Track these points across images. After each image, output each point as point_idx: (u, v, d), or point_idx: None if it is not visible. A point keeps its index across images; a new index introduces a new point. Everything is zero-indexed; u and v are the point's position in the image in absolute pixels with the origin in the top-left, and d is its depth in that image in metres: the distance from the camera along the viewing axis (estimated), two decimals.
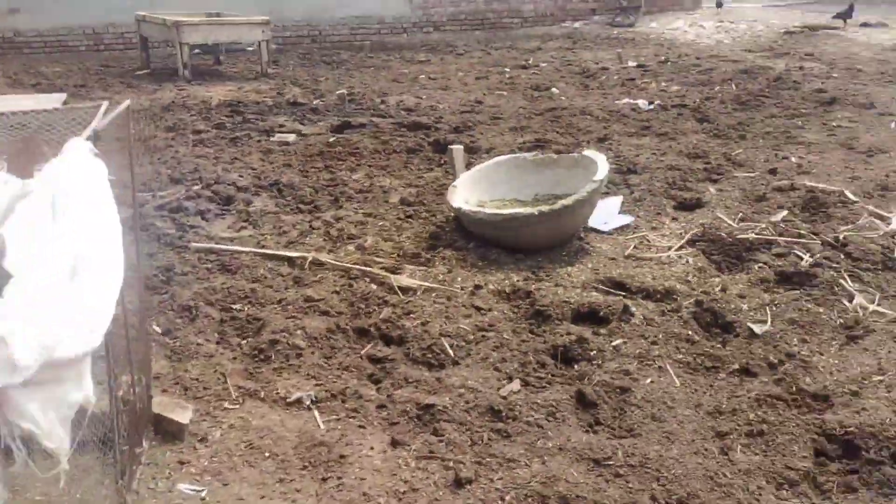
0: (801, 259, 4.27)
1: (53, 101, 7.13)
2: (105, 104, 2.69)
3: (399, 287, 4.08)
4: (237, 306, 3.94)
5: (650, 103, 8.27)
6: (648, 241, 4.69)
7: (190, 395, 3.22)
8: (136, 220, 2.86)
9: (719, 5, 15.99)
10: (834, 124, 7.24)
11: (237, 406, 3.13)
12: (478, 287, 4.06)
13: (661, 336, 3.56)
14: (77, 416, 1.67)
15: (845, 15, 13.62)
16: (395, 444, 2.87)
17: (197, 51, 12.02)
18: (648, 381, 3.23)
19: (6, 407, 1.36)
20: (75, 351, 1.44)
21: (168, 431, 2.94)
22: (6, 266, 1.37)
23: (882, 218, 4.85)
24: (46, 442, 1.47)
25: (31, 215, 1.57)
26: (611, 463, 2.74)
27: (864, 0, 16.14)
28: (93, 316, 1.52)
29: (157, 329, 3.71)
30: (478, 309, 3.84)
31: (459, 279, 4.16)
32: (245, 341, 3.63)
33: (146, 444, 2.86)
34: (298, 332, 3.62)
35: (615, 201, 5.25)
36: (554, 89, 9.26)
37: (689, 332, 3.60)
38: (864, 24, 13.49)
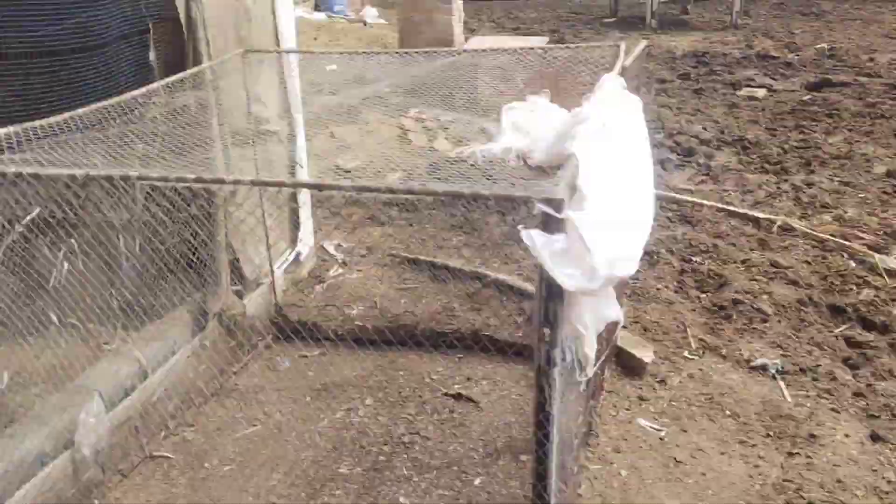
0: None
1: (538, 42, 7.71)
2: (623, 45, 2.77)
3: (885, 269, 3.61)
4: (697, 259, 3.88)
5: None
6: None
7: (648, 336, 3.28)
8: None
9: None
10: None
11: (696, 358, 3.10)
12: None
13: None
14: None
15: None
16: (875, 438, 2.57)
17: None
18: None
19: (575, 308, 1.51)
20: (626, 272, 1.53)
21: (629, 366, 3.04)
22: (579, 183, 1.49)
23: None
24: (587, 349, 1.60)
25: (590, 138, 1.68)
26: None
27: None
28: (636, 244, 1.59)
29: None
30: None
31: None
32: (704, 295, 3.57)
33: (608, 372, 3.00)
34: (764, 296, 3.44)
35: None
36: None
37: None
38: None
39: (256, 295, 3.34)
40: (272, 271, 3.43)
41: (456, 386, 2.95)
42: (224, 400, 2.96)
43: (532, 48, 3.08)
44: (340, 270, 3.85)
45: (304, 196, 3.76)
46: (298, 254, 3.73)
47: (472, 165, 2.15)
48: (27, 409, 2.43)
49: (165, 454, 2.65)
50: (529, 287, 3.42)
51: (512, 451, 2.59)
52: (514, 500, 2.38)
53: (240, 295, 3.25)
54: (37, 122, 1.96)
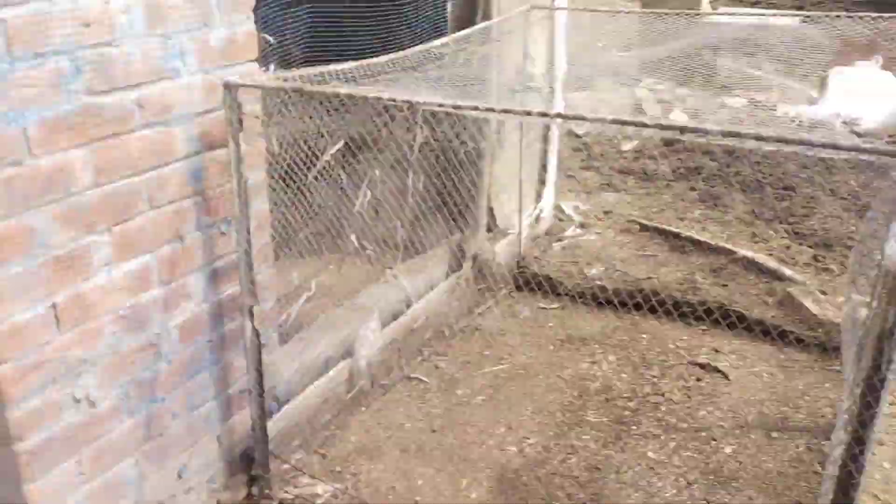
0: None
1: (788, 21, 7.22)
2: None
3: None
4: None
5: None
6: None
7: None
8: None
9: None
10: None
11: None
12: None
13: None
14: None
15: None
16: None
17: None
18: None
19: None
20: None
21: None
22: None
23: None
24: None
25: None
26: None
27: None
28: None
29: None
30: None
31: None
32: None
33: None
34: None
35: None
36: None
37: None
38: None
39: (503, 244, 3.48)
40: (521, 223, 3.56)
41: (702, 356, 2.93)
42: (469, 337, 3.13)
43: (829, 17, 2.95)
44: (578, 231, 3.90)
45: (553, 155, 3.84)
46: (540, 211, 3.83)
47: (798, 124, 2.11)
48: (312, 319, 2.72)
49: (421, 377, 2.86)
50: (785, 270, 3.31)
51: (764, 427, 2.54)
52: (765, 474, 2.35)
53: (490, 242, 3.40)
54: (369, 61, 2.15)
